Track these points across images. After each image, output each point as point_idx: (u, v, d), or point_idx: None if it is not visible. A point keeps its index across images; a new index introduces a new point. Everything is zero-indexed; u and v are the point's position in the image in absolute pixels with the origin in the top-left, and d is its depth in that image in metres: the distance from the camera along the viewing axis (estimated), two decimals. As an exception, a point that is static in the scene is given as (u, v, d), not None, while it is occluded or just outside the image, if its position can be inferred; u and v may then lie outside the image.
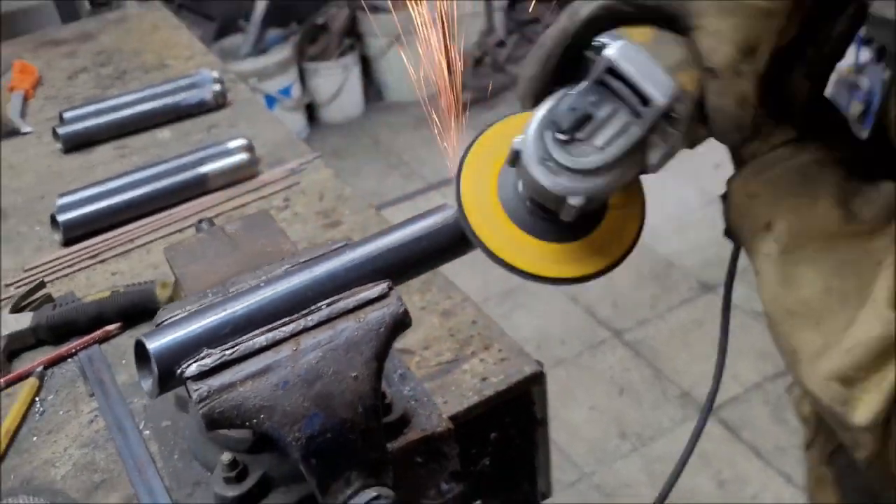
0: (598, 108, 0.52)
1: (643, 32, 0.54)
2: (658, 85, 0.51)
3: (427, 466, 0.74)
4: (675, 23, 0.54)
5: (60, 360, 0.88)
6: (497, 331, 0.84)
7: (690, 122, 0.54)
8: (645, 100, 0.51)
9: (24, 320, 0.92)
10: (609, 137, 0.52)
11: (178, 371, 0.55)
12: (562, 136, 0.52)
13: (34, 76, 1.58)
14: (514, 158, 0.54)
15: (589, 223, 0.60)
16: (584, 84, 0.53)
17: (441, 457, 0.75)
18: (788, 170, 0.56)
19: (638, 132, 0.52)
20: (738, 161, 0.58)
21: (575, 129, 0.52)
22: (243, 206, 1.10)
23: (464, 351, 0.82)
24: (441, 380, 0.79)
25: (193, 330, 0.57)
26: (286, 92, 3.68)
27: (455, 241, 0.63)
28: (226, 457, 0.68)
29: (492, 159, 0.59)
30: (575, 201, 0.53)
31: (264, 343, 0.56)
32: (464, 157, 0.59)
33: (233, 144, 1.17)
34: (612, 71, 0.51)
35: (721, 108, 0.54)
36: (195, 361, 0.55)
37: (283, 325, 0.57)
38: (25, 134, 1.39)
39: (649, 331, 2.54)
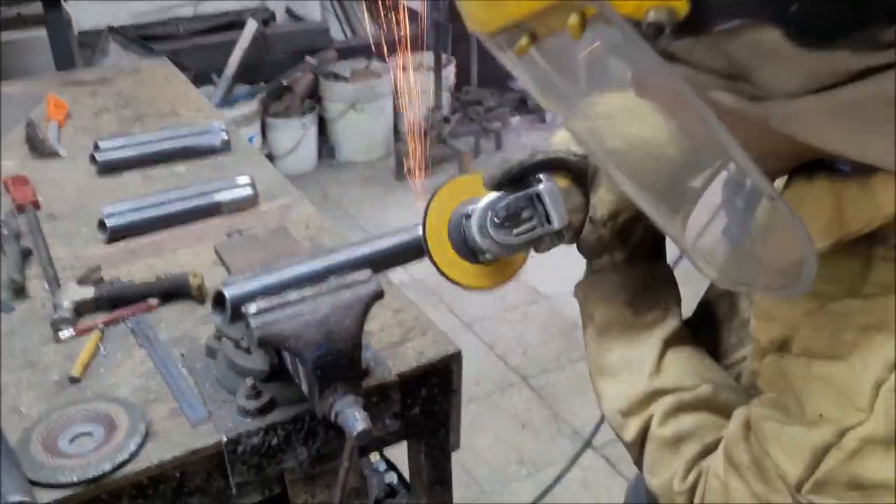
0: (522, 212, 0.88)
1: (564, 181, 0.89)
2: (559, 216, 0.87)
3: (378, 406, 1.10)
4: (586, 178, 0.91)
5: (114, 321, 1.22)
6: (431, 324, 1.21)
7: (570, 239, 0.92)
8: (549, 220, 0.87)
9: (84, 292, 1.25)
10: (522, 231, 0.88)
11: (243, 309, 0.90)
12: (496, 220, 0.89)
13: (65, 109, 1.91)
14: (466, 216, 0.91)
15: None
16: (521, 194, 0.87)
17: (388, 400, 1.11)
18: (605, 282, 0.93)
19: (538, 235, 0.89)
20: (590, 269, 0.95)
21: (505, 220, 0.89)
22: (248, 229, 1.45)
23: (407, 335, 1.19)
24: (391, 351, 1.15)
25: (252, 287, 0.92)
26: (249, 141, 4.04)
27: (412, 251, 1.00)
28: (248, 381, 1.03)
29: (450, 203, 0.94)
30: (489, 256, 0.90)
31: (295, 298, 0.92)
32: (432, 197, 0.94)
33: (240, 180, 1.53)
34: (539, 196, 0.88)
35: (586, 240, 0.90)
36: (254, 304, 0.90)
37: (307, 287, 0.93)
38: (61, 156, 1.73)
39: (551, 378, 2.94)
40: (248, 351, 1.05)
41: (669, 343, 0.90)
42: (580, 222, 0.91)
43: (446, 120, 4.26)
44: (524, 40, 0.58)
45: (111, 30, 3.93)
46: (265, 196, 1.55)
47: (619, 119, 0.78)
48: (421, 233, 0.93)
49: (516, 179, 0.88)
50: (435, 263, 0.93)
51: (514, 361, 3.02)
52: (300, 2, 4.66)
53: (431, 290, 3.19)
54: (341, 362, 0.94)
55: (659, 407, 0.86)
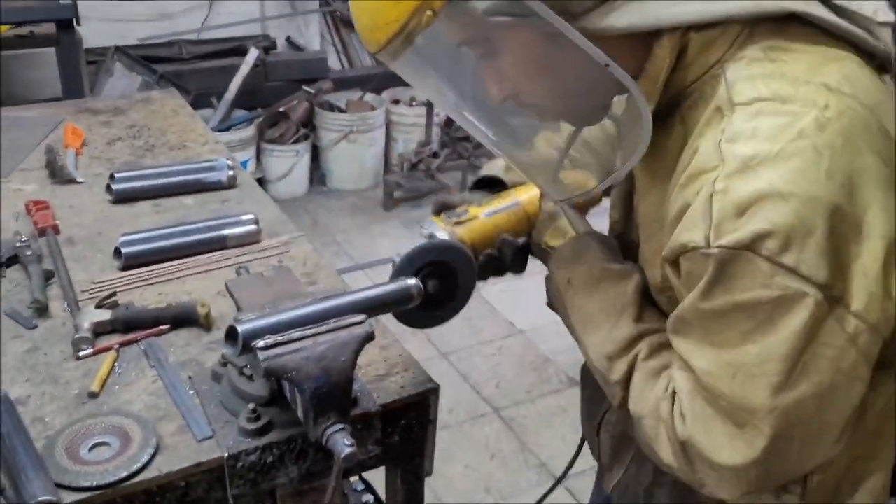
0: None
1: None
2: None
3: (362, 432, 1.23)
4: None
5: (129, 343, 1.35)
6: (413, 361, 1.36)
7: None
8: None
9: (102, 315, 1.38)
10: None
11: (253, 344, 1.04)
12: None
13: (82, 137, 2.05)
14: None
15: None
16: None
17: (371, 427, 1.24)
18: (573, 247, 1.13)
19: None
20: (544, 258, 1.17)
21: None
22: (249, 262, 1.59)
23: (392, 370, 1.33)
24: (376, 384, 1.29)
25: (261, 324, 1.06)
26: (244, 164, 4.17)
27: (400, 300, 1.15)
28: (250, 405, 1.17)
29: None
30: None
31: (298, 336, 1.06)
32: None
33: (245, 217, 1.67)
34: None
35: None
36: (262, 340, 1.04)
37: (309, 328, 1.07)
38: (79, 183, 1.86)
39: (522, 411, 3.08)
40: (250, 378, 1.19)
41: (642, 293, 1.06)
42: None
43: (435, 154, 4.42)
44: (428, 13, 0.86)
45: (117, 49, 4.07)
46: (267, 232, 1.69)
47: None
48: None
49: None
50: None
51: (487, 392, 3.16)
52: (301, 32, 4.82)
53: (412, 320, 3.32)
54: (335, 394, 1.08)
55: (645, 344, 1.02)
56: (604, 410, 1.26)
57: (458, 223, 1.23)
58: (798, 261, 0.80)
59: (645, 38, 0.91)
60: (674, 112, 0.96)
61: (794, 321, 0.82)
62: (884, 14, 0.92)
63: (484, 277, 1.26)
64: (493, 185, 1.35)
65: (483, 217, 1.25)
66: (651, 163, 1.00)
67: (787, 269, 0.81)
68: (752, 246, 0.81)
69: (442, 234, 1.22)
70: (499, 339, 3.47)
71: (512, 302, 3.53)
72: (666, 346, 1.00)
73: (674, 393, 0.95)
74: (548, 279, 1.19)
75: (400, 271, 1.18)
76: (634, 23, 0.87)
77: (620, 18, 0.87)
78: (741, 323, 0.85)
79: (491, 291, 3.49)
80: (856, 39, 0.91)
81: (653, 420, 0.97)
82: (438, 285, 1.21)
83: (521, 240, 1.24)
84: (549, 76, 0.95)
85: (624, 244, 1.16)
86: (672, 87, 0.94)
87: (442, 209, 1.28)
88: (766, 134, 0.82)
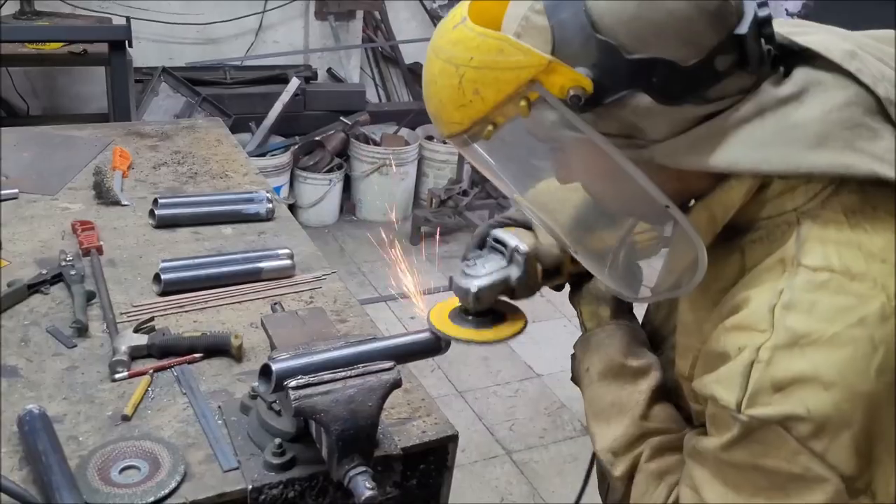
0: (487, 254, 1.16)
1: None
2: (514, 240, 1.14)
3: (382, 474, 1.26)
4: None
5: (163, 368, 1.40)
6: (435, 407, 1.39)
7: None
8: (517, 251, 1.13)
9: (139, 339, 1.43)
10: (491, 266, 1.15)
11: (285, 383, 1.08)
12: (467, 261, 1.16)
13: (129, 160, 2.12)
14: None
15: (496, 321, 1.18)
16: (475, 239, 1.19)
17: (391, 469, 1.27)
18: (599, 336, 1.15)
19: (503, 267, 1.14)
20: (583, 328, 1.18)
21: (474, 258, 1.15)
22: (282, 296, 1.64)
23: (414, 414, 1.36)
24: (398, 427, 1.33)
25: (295, 364, 1.10)
26: (277, 190, 4.25)
27: (428, 349, 1.19)
28: (276, 441, 1.21)
29: (444, 310, 1.18)
30: (476, 303, 1.12)
31: (329, 378, 1.10)
32: (430, 311, 1.17)
33: (281, 252, 1.73)
34: (495, 239, 1.15)
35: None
36: (294, 380, 1.09)
37: (340, 371, 1.11)
38: (124, 205, 1.93)
39: (534, 455, 3.09)
40: (278, 413, 1.23)
41: (655, 392, 1.07)
42: (551, 263, 1.17)
43: (464, 193, 4.47)
44: (490, 128, 0.88)
45: (164, 70, 4.19)
46: (301, 267, 1.74)
47: (553, 189, 1.05)
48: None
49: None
50: (443, 334, 1.17)
51: (501, 434, 3.18)
52: (342, 64, 4.93)
53: (431, 359, 3.35)
54: (360, 437, 1.11)
55: (647, 446, 1.03)
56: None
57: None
58: (826, 450, 0.79)
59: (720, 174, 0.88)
60: (737, 237, 0.92)
61: (810, 499, 0.81)
62: None
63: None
64: None
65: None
66: (705, 283, 0.93)
67: (814, 454, 0.79)
68: (782, 423, 0.80)
69: (524, 247, 1.17)
70: (516, 382, 3.48)
71: (531, 346, 3.55)
72: (668, 448, 1.02)
73: (675, 501, 0.96)
74: (573, 357, 1.21)
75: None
76: (704, 165, 0.84)
77: (690, 157, 0.85)
78: (757, 480, 0.85)
79: (511, 333, 3.51)
80: None
81: None
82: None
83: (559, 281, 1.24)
84: (612, 198, 0.97)
85: (655, 331, 1.18)
86: (741, 216, 0.90)
87: (503, 224, 1.24)
88: (825, 313, 0.79)
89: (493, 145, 0.92)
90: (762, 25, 0.84)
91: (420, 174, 4.81)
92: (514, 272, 1.14)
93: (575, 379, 1.23)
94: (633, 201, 0.93)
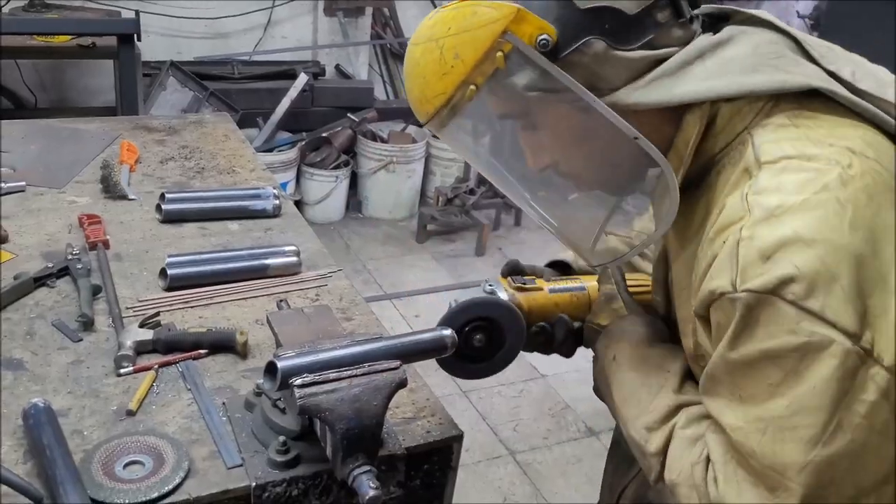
0: None
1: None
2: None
3: (386, 473, 1.26)
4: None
5: (168, 364, 1.39)
6: (440, 407, 1.39)
7: None
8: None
9: (145, 334, 1.43)
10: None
11: (290, 381, 1.08)
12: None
13: (136, 155, 2.12)
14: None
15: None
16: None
17: (395, 469, 1.27)
18: (622, 328, 1.18)
19: None
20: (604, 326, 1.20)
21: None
22: (288, 293, 1.64)
23: (419, 414, 1.36)
24: (403, 427, 1.32)
25: (300, 362, 1.10)
26: (283, 186, 4.25)
27: (435, 349, 1.19)
28: (280, 438, 1.20)
29: None
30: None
31: (335, 377, 1.10)
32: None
33: (287, 248, 1.72)
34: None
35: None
36: (300, 378, 1.08)
37: (345, 370, 1.11)
38: (130, 199, 1.93)
39: (538, 456, 3.08)
40: (283, 411, 1.22)
41: (685, 370, 1.09)
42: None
43: (471, 192, 4.47)
44: (472, 88, 0.95)
45: (172, 64, 4.19)
46: (307, 264, 1.74)
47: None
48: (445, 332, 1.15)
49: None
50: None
51: (504, 435, 3.17)
52: (350, 61, 4.92)
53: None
54: (365, 436, 1.11)
55: (683, 414, 1.03)
56: (625, 483, 1.28)
57: (521, 289, 1.27)
58: (823, 306, 0.82)
59: (676, 110, 0.98)
60: (704, 179, 1.01)
61: (823, 370, 0.82)
62: None
63: (531, 349, 1.29)
64: (563, 270, 1.40)
65: (547, 291, 1.29)
66: (681, 230, 1.05)
67: (813, 315, 0.82)
68: (777, 291, 0.83)
69: (503, 295, 1.25)
70: (520, 382, 3.48)
71: (536, 345, 3.54)
72: (705, 416, 1.00)
73: (708, 458, 0.96)
74: (595, 360, 1.21)
75: (450, 318, 1.21)
76: (663, 99, 0.95)
77: (649, 94, 0.95)
78: (769, 374, 0.86)
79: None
80: (875, 119, 0.95)
81: (686, 488, 0.97)
82: (484, 340, 1.24)
83: (577, 324, 1.27)
84: (584, 148, 1.02)
85: (668, 326, 1.18)
86: (702, 156, 1.00)
87: (511, 273, 1.31)
88: (791, 187, 0.87)
89: (474, 126, 1.03)
90: None
91: (427, 172, 4.81)
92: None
93: (598, 382, 1.22)
94: (604, 159, 1.02)
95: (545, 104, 0.99)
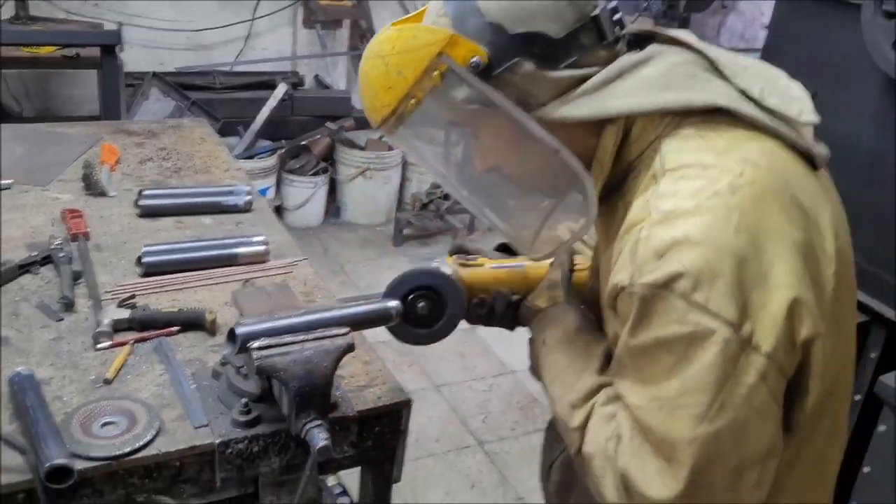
0: None
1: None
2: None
3: (339, 434, 1.39)
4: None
5: (143, 340, 1.52)
6: (391, 377, 1.52)
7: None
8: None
9: (121, 313, 1.56)
10: None
11: (249, 345, 1.21)
12: None
13: (116, 156, 2.25)
14: None
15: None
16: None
17: (348, 430, 1.40)
18: (553, 313, 1.29)
19: None
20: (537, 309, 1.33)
21: None
22: (257, 278, 1.77)
23: (371, 382, 1.49)
24: (356, 393, 1.45)
25: (258, 328, 1.23)
26: (264, 192, 4.38)
27: (379, 317, 1.32)
28: (242, 400, 1.33)
29: None
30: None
31: (288, 341, 1.23)
32: None
33: (256, 239, 1.86)
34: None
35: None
36: (257, 342, 1.21)
37: (299, 335, 1.24)
38: (111, 196, 2.06)
39: (505, 446, 3.21)
40: (245, 377, 1.35)
41: (608, 354, 1.18)
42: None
43: (446, 197, 4.61)
44: (412, 101, 1.06)
45: (155, 75, 4.32)
46: (275, 254, 1.87)
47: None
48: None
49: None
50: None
51: (474, 426, 3.30)
52: (328, 71, 5.07)
53: (408, 352, 3.48)
54: (316, 394, 1.24)
55: (603, 393, 1.13)
56: (554, 457, 1.40)
57: (463, 265, 1.40)
58: (707, 299, 0.93)
59: (597, 123, 1.08)
60: (623, 183, 1.11)
61: (707, 356, 0.95)
62: (807, 116, 1.05)
63: (472, 320, 1.41)
64: (511, 253, 1.50)
65: (487, 268, 1.42)
66: (606, 229, 1.16)
67: (698, 307, 0.93)
68: (667, 285, 0.95)
69: (446, 270, 1.38)
70: (490, 377, 3.61)
71: (506, 343, 3.67)
72: (619, 396, 1.10)
73: (619, 434, 1.07)
74: (530, 342, 1.34)
75: (393, 288, 1.34)
76: (585, 114, 1.05)
77: (573, 110, 1.05)
78: (663, 359, 0.98)
79: (488, 332, 3.63)
80: (779, 135, 1.04)
81: (600, 460, 1.06)
82: (428, 308, 1.36)
83: (514, 297, 1.40)
84: (515, 157, 1.14)
85: (598, 318, 1.30)
86: (621, 163, 1.10)
87: (457, 251, 1.45)
88: (686, 193, 0.98)
89: (419, 133, 1.14)
90: (614, 14, 1.09)
91: (404, 179, 4.95)
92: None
93: (532, 363, 1.34)
94: (534, 167, 1.12)
95: (480, 117, 1.09)
